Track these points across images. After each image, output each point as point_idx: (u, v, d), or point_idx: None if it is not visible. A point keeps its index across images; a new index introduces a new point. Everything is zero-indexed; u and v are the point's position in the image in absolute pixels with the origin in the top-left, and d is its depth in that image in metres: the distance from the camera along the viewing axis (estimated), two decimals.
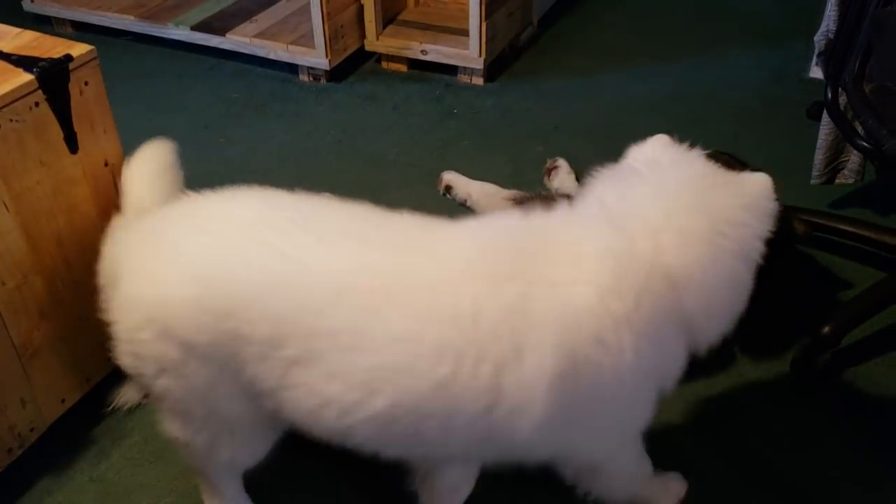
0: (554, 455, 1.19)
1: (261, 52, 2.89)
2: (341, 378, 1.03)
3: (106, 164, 1.53)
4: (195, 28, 2.97)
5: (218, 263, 1.09)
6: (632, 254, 1.04)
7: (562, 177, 2.29)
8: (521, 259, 1.05)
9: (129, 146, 1.64)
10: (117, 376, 1.67)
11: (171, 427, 1.27)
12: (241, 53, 2.94)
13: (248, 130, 2.64)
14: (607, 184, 1.18)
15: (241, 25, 2.96)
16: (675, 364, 1.12)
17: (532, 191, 2.21)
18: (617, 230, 1.07)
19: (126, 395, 1.65)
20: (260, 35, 2.90)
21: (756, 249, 1.11)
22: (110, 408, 1.66)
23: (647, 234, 1.06)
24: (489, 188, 2.22)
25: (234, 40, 2.91)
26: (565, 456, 1.21)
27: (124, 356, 1.19)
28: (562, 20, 3.34)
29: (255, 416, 1.18)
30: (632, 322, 1.02)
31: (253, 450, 1.29)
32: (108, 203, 1.54)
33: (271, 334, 1.04)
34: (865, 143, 1.63)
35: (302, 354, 1.03)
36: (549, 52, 3.11)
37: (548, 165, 2.32)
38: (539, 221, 1.13)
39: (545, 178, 2.31)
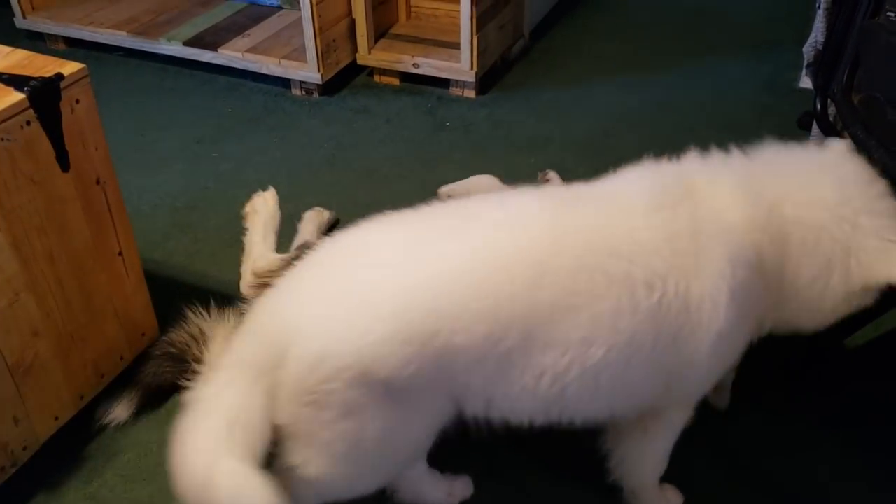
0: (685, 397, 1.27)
1: (253, 67, 2.90)
2: (559, 342, 1.08)
3: (98, 182, 1.53)
4: (187, 43, 2.98)
5: (409, 289, 1.08)
6: (761, 202, 1.17)
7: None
8: (683, 194, 1.17)
9: (121, 161, 1.64)
10: (110, 393, 1.68)
11: (315, 466, 1.17)
12: (233, 68, 2.95)
13: (240, 145, 2.64)
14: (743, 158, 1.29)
15: (234, 40, 2.97)
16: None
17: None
18: (750, 185, 1.20)
19: (117, 413, 1.64)
20: (252, 50, 2.91)
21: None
22: (102, 425, 1.65)
23: (779, 195, 1.19)
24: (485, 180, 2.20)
25: (226, 55, 2.92)
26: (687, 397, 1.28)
27: (295, 406, 1.11)
28: (553, 32, 3.36)
29: (428, 441, 1.20)
30: (764, 255, 1.15)
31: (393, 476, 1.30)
32: (101, 221, 1.54)
33: (487, 332, 1.06)
34: None
35: (521, 339, 1.07)
36: (541, 64, 3.13)
37: (539, 178, 2.32)
38: (678, 168, 1.27)
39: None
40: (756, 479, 1.56)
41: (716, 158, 1.28)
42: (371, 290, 1.09)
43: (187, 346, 1.66)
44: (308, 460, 1.16)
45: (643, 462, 1.38)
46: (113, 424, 1.66)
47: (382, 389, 1.07)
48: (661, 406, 1.27)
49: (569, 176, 2.44)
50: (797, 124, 2.64)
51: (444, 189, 2.27)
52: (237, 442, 1.09)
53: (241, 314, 1.66)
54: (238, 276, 1.99)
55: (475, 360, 1.08)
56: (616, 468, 1.39)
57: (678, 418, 1.32)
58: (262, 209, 1.93)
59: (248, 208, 1.95)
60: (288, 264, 1.70)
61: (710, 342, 1.14)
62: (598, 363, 1.10)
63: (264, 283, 1.69)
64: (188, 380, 1.60)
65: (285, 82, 2.91)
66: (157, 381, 1.67)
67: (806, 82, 2.84)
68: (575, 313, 1.08)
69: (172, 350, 1.66)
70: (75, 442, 1.63)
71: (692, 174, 1.23)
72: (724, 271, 1.12)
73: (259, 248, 1.83)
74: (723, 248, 1.13)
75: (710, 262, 1.12)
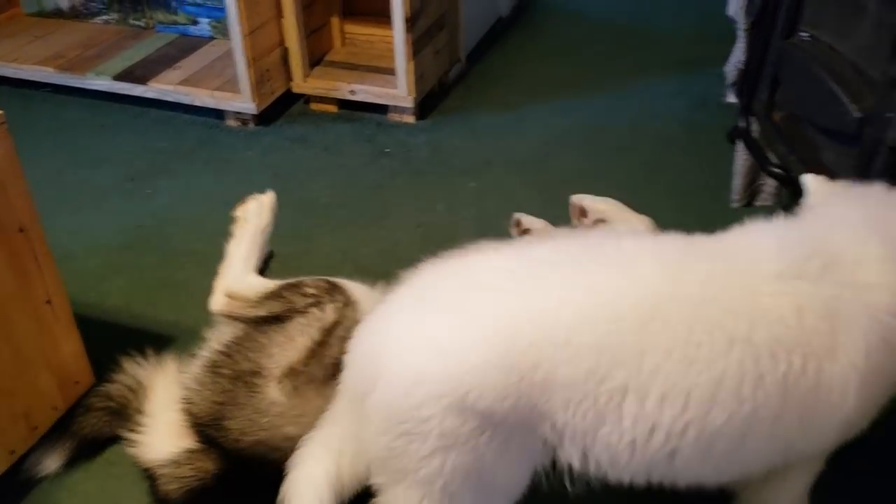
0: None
1: (186, 100, 2.86)
2: (678, 398, 1.01)
3: (21, 230, 1.48)
4: (117, 77, 2.92)
5: (514, 316, 1.03)
6: None
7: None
8: (823, 263, 1.08)
9: (51, 202, 1.60)
10: (43, 444, 1.62)
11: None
12: (165, 101, 2.91)
13: (175, 180, 2.60)
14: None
15: (165, 73, 2.93)
16: None
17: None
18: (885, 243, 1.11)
19: (49, 464, 1.58)
20: (184, 82, 2.87)
21: None
22: (37, 477, 1.59)
23: None
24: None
25: (157, 88, 2.88)
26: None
27: (387, 438, 1.06)
28: (489, 55, 3.39)
29: (520, 486, 1.14)
30: None
31: None
32: (25, 269, 1.49)
33: (591, 368, 1.00)
34: (778, 170, 1.69)
35: (630, 382, 1.00)
36: (478, 88, 3.15)
37: (512, 223, 2.03)
38: (811, 228, 1.16)
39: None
40: None
41: (853, 214, 1.17)
42: (474, 314, 1.04)
43: (125, 399, 1.61)
44: (398, 499, 1.11)
45: None
46: (46, 475, 1.59)
47: (478, 422, 1.02)
48: (781, 467, 1.21)
49: (510, 197, 2.46)
50: (727, 139, 2.72)
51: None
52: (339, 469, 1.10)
53: (189, 356, 1.62)
54: (179, 312, 1.94)
55: (577, 397, 1.01)
56: None
57: (806, 472, 1.27)
58: (255, 219, 1.81)
59: (240, 213, 1.82)
60: (259, 303, 1.64)
61: (839, 423, 1.09)
62: (718, 429, 1.03)
63: (234, 314, 1.64)
64: (128, 431, 1.56)
65: (219, 113, 2.88)
66: (95, 433, 1.62)
67: (734, 98, 2.92)
68: (694, 368, 1.01)
69: (111, 404, 1.61)
70: (9, 498, 1.57)
71: (830, 238, 1.13)
72: (858, 358, 1.05)
73: (239, 267, 1.74)
74: (861, 333, 1.06)
75: (845, 346, 1.05)
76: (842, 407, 1.06)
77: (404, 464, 1.07)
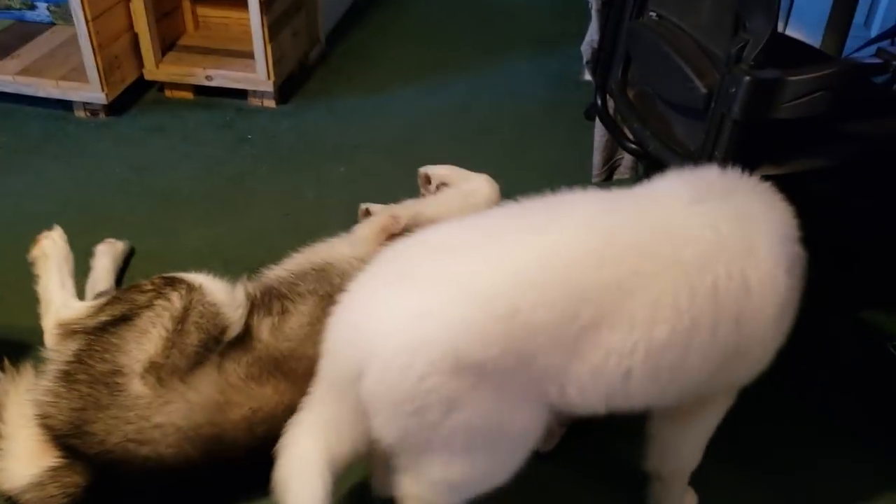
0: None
1: (28, 91, 2.67)
2: (626, 322, 1.10)
3: None
4: None
5: (484, 271, 1.09)
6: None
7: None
8: (724, 189, 1.26)
9: None
10: None
11: (441, 469, 1.18)
12: (4, 93, 2.70)
13: (22, 176, 2.43)
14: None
15: (2, 62, 2.72)
16: None
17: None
18: None
19: None
20: (24, 72, 2.68)
21: None
22: None
23: None
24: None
25: None
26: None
27: (399, 420, 1.09)
28: (350, 36, 3.35)
29: (536, 429, 1.19)
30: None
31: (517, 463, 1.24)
32: None
33: (563, 308, 1.08)
34: (633, 145, 1.77)
35: (593, 316, 1.09)
36: (341, 70, 3.12)
37: (360, 213, 2.06)
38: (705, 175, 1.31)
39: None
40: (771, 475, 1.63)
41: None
42: (446, 276, 1.09)
43: None
44: (430, 466, 1.16)
45: (682, 449, 1.43)
46: None
47: (477, 375, 1.07)
48: (709, 392, 1.31)
49: (380, 181, 2.46)
50: (585, 116, 2.82)
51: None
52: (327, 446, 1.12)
53: (41, 364, 1.53)
54: (36, 318, 1.82)
55: (553, 338, 1.09)
56: (653, 455, 1.44)
57: (722, 406, 1.36)
58: (52, 251, 1.77)
59: (37, 252, 1.78)
60: (97, 311, 1.58)
61: (772, 318, 1.21)
62: (662, 344, 1.13)
63: (74, 329, 1.57)
64: None
65: (66, 104, 2.70)
66: None
67: (590, 76, 3.02)
68: (638, 294, 1.12)
69: None
70: None
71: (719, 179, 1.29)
72: (776, 248, 1.19)
73: (59, 296, 1.68)
74: (771, 227, 1.21)
75: (760, 243, 1.19)
76: (773, 300, 1.19)
77: (421, 437, 1.12)
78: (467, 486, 1.22)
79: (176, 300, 1.54)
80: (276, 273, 1.68)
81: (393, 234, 1.72)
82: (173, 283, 1.58)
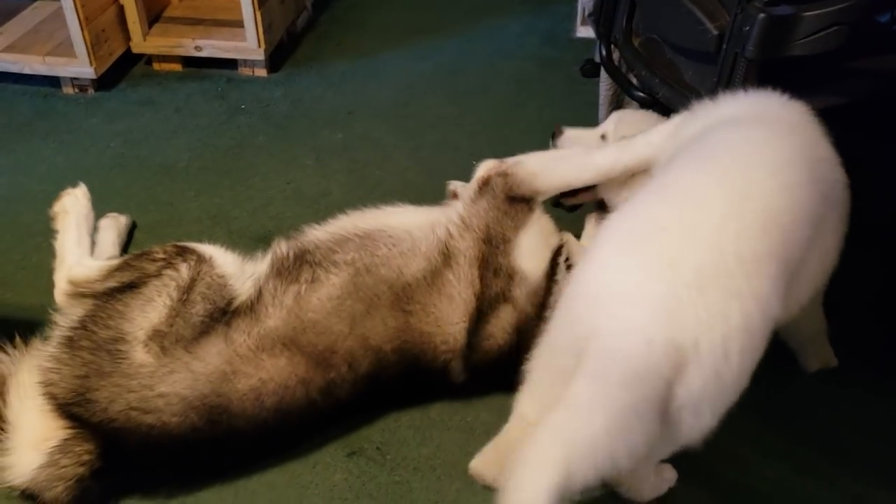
0: None
1: (13, 68, 2.61)
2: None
3: None
4: None
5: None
6: None
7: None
8: None
9: None
10: None
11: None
12: None
13: (13, 155, 2.38)
14: None
15: None
16: None
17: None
18: None
19: None
20: (9, 49, 2.62)
21: None
22: None
23: None
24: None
25: None
26: None
27: (629, 445, 1.07)
28: (335, 2, 3.31)
29: None
30: None
31: None
32: None
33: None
34: (641, 94, 1.77)
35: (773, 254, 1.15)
36: (329, 37, 3.08)
37: (449, 194, 1.93)
38: None
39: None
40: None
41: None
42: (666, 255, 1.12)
43: None
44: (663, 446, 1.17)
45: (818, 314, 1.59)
46: None
47: None
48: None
49: (380, 147, 2.44)
50: (580, 72, 2.81)
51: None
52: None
53: (46, 338, 1.51)
54: (42, 294, 1.81)
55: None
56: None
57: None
58: (73, 208, 1.75)
59: (58, 208, 1.77)
60: (107, 276, 1.56)
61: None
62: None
63: (83, 292, 1.55)
64: None
65: (54, 81, 2.65)
66: None
67: (582, 32, 3.01)
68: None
69: None
70: None
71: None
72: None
73: (74, 253, 1.66)
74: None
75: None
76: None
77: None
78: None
79: (184, 270, 1.53)
80: (316, 234, 1.62)
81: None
82: (184, 252, 1.56)
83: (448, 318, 1.54)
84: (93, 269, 1.60)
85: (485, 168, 1.68)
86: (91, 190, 2.01)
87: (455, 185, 1.90)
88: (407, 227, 1.61)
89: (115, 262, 1.61)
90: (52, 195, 2.19)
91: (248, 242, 1.98)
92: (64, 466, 1.40)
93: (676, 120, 1.51)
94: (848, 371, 1.67)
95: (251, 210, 2.19)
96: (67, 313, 1.53)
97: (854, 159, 1.37)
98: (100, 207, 2.03)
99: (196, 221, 2.15)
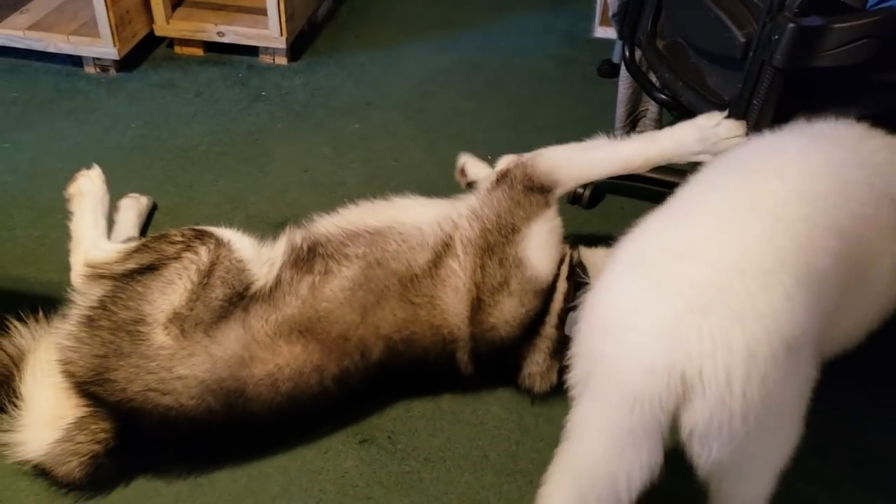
0: None
1: (38, 46, 2.63)
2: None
3: None
4: None
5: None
6: None
7: (475, 168, 1.92)
8: None
9: None
10: None
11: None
12: (14, 48, 2.66)
13: (35, 132, 2.40)
14: None
15: (11, 17, 2.67)
16: None
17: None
18: None
19: None
20: (35, 27, 2.63)
21: None
22: None
23: None
24: None
25: (4, 34, 2.63)
26: None
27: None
28: None
29: None
30: None
31: None
32: None
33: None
34: (664, 96, 1.78)
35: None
36: (349, 27, 3.09)
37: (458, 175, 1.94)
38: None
39: (459, 178, 1.93)
40: None
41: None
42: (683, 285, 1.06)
43: (8, 370, 1.51)
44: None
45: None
46: None
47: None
48: None
49: (396, 139, 2.45)
50: (597, 73, 2.82)
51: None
52: None
53: (63, 315, 1.53)
54: (62, 271, 1.83)
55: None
56: None
57: None
58: (89, 190, 1.75)
59: (73, 190, 1.76)
60: (125, 258, 1.58)
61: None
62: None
63: (101, 273, 1.56)
64: (3, 431, 1.47)
65: (76, 60, 2.67)
66: None
67: (601, 32, 3.02)
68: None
69: None
70: None
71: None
72: None
73: (90, 235, 1.66)
74: None
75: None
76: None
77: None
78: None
79: (203, 254, 1.54)
80: (327, 227, 1.64)
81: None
82: (202, 236, 1.58)
83: (453, 309, 1.56)
84: (110, 252, 1.61)
85: (505, 161, 1.69)
86: (110, 170, 2.03)
87: (465, 158, 1.90)
88: (417, 222, 1.62)
89: (133, 244, 1.63)
90: (72, 174, 2.20)
91: (266, 228, 1.99)
92: (80, 443, 1.42)
93: (702, 120, 1.52)
94: (849, 375, 1.69)
95: (269, 196, 2.21)
96: (85, 293, 1.54)
97: None
98: (119, 188, 2.05)
99: (215, 205, 2.17)
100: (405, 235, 1.60)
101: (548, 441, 1.59)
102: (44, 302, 1.69)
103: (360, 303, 1.53)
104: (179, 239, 1.58)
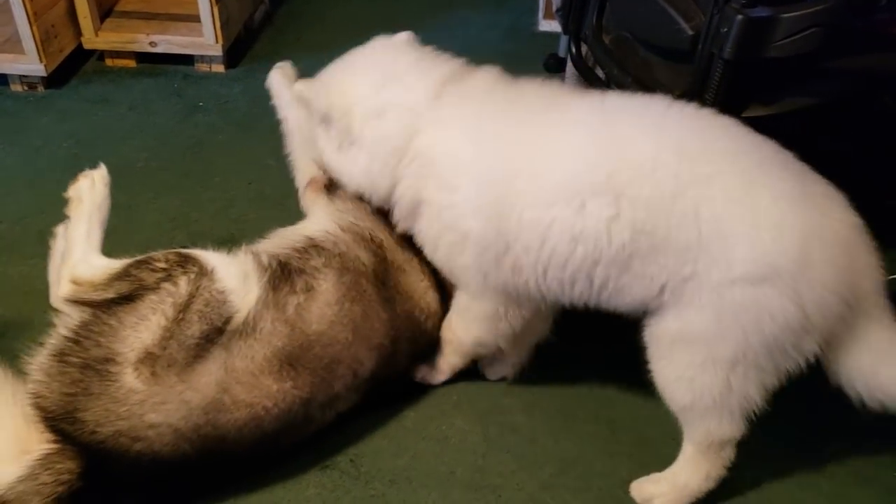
0: None
1: None
2: None
3: None
4: None
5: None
6: None
7: None
8: None
9: None
10: None
11: None
12: None
13: None
14: None
15: None
16: None
17: None
18: None
19: None
20: None
21: None
22: None
23: None
24: None
25: None
26: None
27: None
28: None
29: None
30: None
31: None
32: None
33: None
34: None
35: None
36: (288, 31, 3.00)
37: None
38: None
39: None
40: None
41: None
42: None
43: None
44: None
45: None
46: None
47: None
48: None
49: None
50: (544, 67, 2.78)
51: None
52: None
53: (35, 344, 1.41)
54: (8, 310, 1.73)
55: None
56: None
57: None
58: (87, 196, 1.61)
59: (72, 192, 1.63)
60: (108, 282, 1.44)
61: None
62: None
63: (82, 299, 1.43)
64: None
65: (1, 78, 2.54)
66: None
67: (545, 26, 2.99)
68: None
69: None
70: None
71: None
72: None
73: (81, 247, 1.52)
74: None
75: None
76: None
77: None
78: None
79: (183, 285, 1.42)
80: (277, 248, 1.55)
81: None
82: (185, 263, 1.45)
83: (414, 287, 1.58)
84: (97, 270, 1.47)
85: None
86: (43, 193, 1.94)
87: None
88: (318, 232, 1.60)
89: (117, 266, 1.48)
90: (3, 199, 2.11)
91: (211, 246, 1.91)
92: (43, 483, 1.32)
93: None
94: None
95: (213, 212, 2.13)
96: (63, 319, 1.42)
97: (823, 159, 1.37)
98: (53, 212, 1.94)
99: (155, 225, 2.08)
100: (334, 239, 1.57)
101: (514, 452, 1.55)
102: None
103: (349, 317, 1.47)
104: (161, 266, 1.45)
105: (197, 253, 1.48)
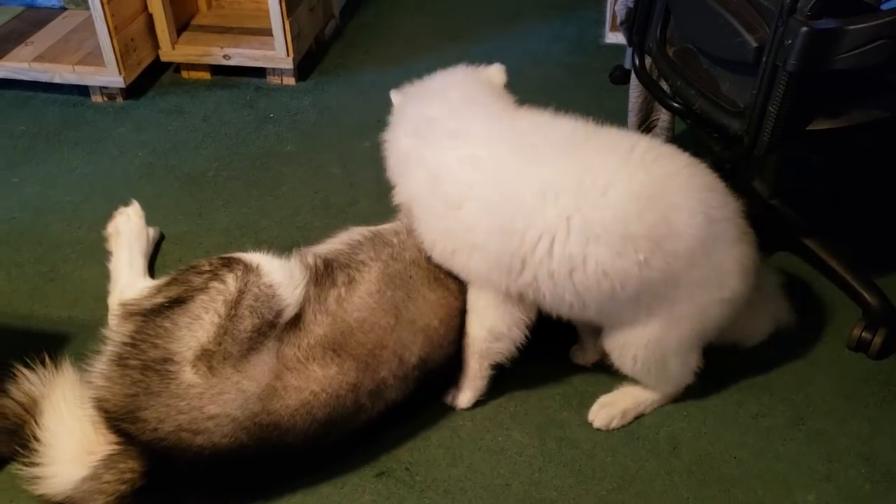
0: None
1: (44, 77, 2.62)
2: None
3: None
4: None
5: None
6: None
7: None
8: None
9: None
10: None
11: None
12: (20, 81, 2.66)
13: (43, 165, 2.39)
14: None
15: (16, 49, 2.67)
16: None
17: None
18: None
19: None
20: (40, 58, 2.63)
21: None
22: None
23: None
24: None
25: (10, 67, 2.62)
26: None
27: None
28: (363, 10, 3.29)
29: None
30: None
31: None
32: None
33: None
34: (676, 104, 1.73)
35: None
36: (357, 45, 3.06)
37: None
38: None
39: None
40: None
41: None
42: None
43: (20, 419, 1.48)
44: None
45: None
46: None
47: None
48: None
49: None
50: (609, 79, 2.77)
51: None
52: None
53: (93, 352, 1.49)
54: (70, 307, 1.81)
55: None
56: None
57: None
58: (125, 228, 1.74)
59: (111, 229, 1.76)
60: (155, 293, 1.53)
61: None
62: None
63: (132, 310, 1.52)
64: (22, 454, 1.44)
65: (83, 90, 2.66)
66: None
67: (611, 38, 2.97)
68: None
69: (6, 423, 1.48)
70: None
71: None
72: None
73: (125, 274, 1.64)
74: None
75: None
76: None
77: None
78: None
79: (231, 283, 1.48)
80: (328, 248, 1.63)
81: None
82: (230, 263, 1.52)
83: None
84: (142, 290, 1.57)
85: None
86: (119, 201, 2.02)
87: None
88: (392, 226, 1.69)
89: (163, 279, 1.59)
90: (81, 206, 2.21)
91: (277, 252, 1.96)
92: (106, 482, 1.38)
93: None
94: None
95: (279, 220, 2.18)
96: (117, 331, 1.50)
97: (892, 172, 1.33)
98: None
99: (224, 231, 2.14)
100: (394, 229, 1.65)
101: (571, 467, 1.54)
102: (52, 340, 1.67)
103: (391, 303, 1.52)
104: (207, 269, 1.53)
105: (238, 254, 1.55)
